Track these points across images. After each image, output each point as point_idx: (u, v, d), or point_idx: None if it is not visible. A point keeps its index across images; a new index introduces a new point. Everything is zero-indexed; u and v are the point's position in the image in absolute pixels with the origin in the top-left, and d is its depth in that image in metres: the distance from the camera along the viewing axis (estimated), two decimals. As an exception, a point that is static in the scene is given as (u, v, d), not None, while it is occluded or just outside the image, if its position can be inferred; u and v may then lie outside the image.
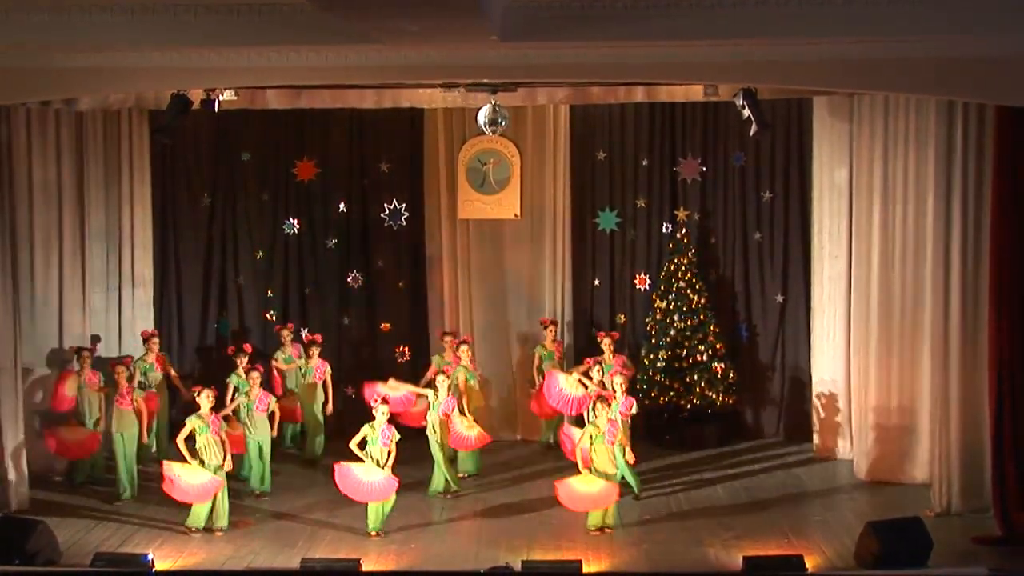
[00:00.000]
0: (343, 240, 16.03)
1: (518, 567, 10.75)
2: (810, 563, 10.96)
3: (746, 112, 12.78)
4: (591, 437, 12.32)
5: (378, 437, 12.22)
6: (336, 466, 12.38)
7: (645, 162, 15.75)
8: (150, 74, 11.37)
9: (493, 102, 13.13)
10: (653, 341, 15.14)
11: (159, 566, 11.10)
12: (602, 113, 15.56)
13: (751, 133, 13.10)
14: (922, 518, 11.55)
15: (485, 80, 12.48)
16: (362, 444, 12.26)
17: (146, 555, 11.17)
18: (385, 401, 12.52)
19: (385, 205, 15.94)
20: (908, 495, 13.13)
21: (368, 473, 12.18)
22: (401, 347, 16.02)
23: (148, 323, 15.41)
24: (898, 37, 10.23)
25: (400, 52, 10.83)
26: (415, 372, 15.45)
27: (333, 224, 16.02)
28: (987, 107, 11.86)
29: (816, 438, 14.89)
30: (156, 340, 14.67)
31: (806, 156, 15.11)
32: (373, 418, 12.35)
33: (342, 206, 15.98)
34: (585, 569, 10.82)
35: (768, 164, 15.49)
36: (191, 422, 12.37)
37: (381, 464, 12.17)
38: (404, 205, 15.93)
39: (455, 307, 15.73)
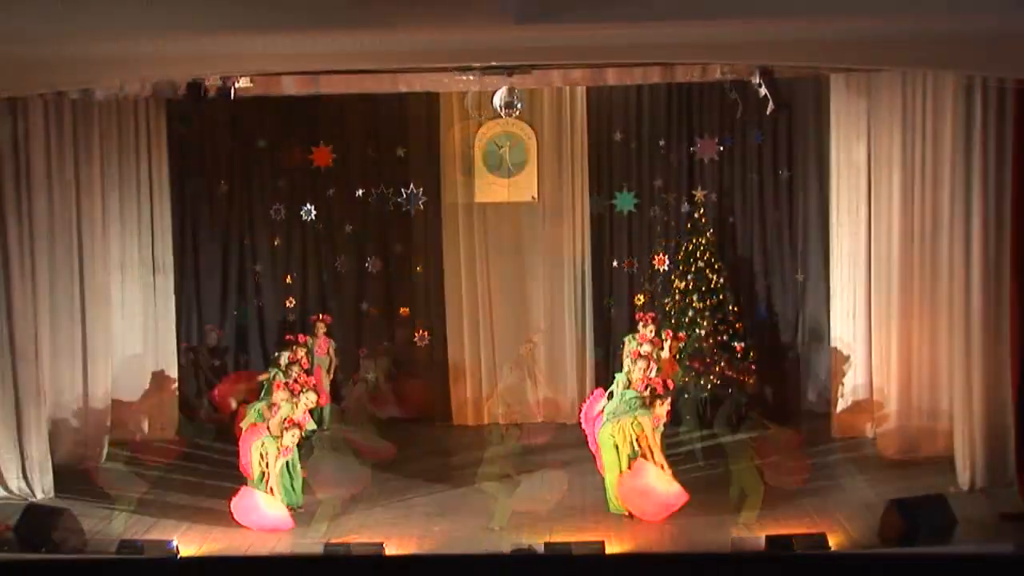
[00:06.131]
0: (360, 226, 16.05)
1: (541, 550, 10.78)
2: (833, 542, 10.92)
3: (763, 91, 12.70)
4: None
5: None
6: None
7: (662, 143, 15.72)
8: (165, 62, 11.27)
9: (509, 85, 13.09)
10: (672, 322, 15.11)
11: (184, 552, 11.15)
12: (618, 94, 15.50)
13: (768, 112, 13.03)
14: (946, 495, 11.50)
15: (500, 63, 12.45)
16: None
17: (171, 541, 11.21)
18: None
19: (402, 190, 15.93)
20: (932, 472, 13.05)
21: None
22: (420, 331, 16.05)
23: (170, 312, 15.42)
24: (915, 12, 10.15)
25: (415, 37, 10.76)
26: (433, 355, 15.85)
27: (350, 210, 16.03)
28: (1007, 80, 11.76)
29: (838, 416, 14.87)
30: (323, 324, 14.86)
31: (823, 134, 15.01)
32: None
33: (359, 192, 15.99)
34: (607, 551, 10.83)
35: (785, 142, 15.46)
36: None
37: None
38: (421, 190, 15.92)
39: (473, 291, 15.73)
